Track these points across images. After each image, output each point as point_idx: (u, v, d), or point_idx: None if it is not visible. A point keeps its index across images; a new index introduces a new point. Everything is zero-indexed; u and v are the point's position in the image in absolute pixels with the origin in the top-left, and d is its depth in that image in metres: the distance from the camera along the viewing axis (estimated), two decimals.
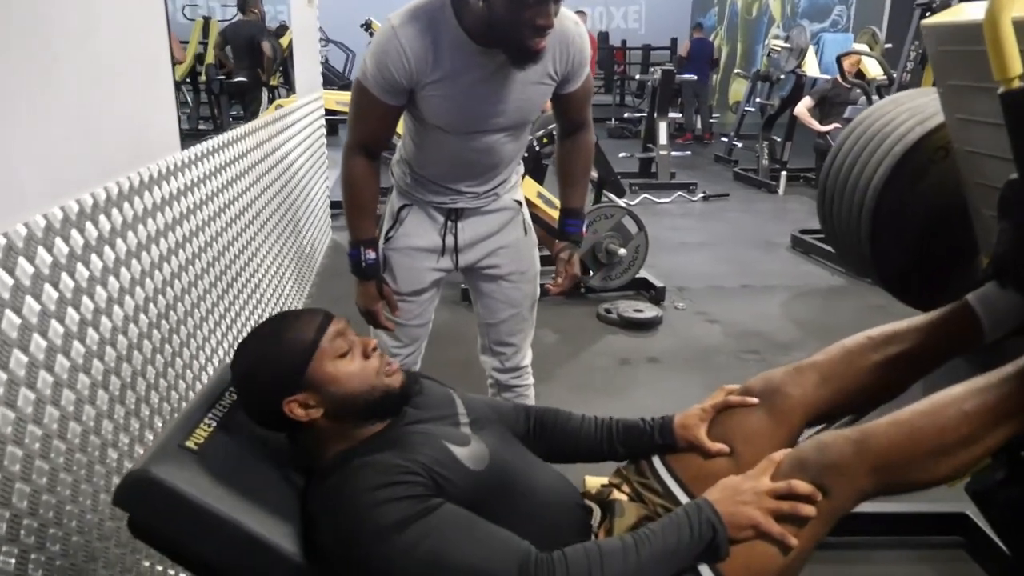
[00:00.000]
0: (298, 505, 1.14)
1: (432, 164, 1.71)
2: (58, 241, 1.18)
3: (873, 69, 5.80)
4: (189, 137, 2.24)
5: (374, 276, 1.73)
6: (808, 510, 1.05)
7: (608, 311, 3.62)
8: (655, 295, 3.85)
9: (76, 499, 1.21)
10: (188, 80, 7.40)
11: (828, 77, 6.37)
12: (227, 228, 2.32)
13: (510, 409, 1.41)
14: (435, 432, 1.14)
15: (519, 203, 1.83)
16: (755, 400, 1.30)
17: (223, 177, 2.30)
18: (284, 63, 6.53)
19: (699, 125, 10.27)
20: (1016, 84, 1.10)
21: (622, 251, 3.76)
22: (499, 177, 1.74)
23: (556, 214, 1.92)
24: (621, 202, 4.06)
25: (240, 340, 1.18)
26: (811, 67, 6.72)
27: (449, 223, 1.76)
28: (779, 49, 6.92)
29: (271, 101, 4.95)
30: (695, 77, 8.60)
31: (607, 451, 1.37)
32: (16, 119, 1.10)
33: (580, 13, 8.87)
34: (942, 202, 1.59)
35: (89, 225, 1.30)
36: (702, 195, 6.47)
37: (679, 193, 6.49)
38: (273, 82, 8.03)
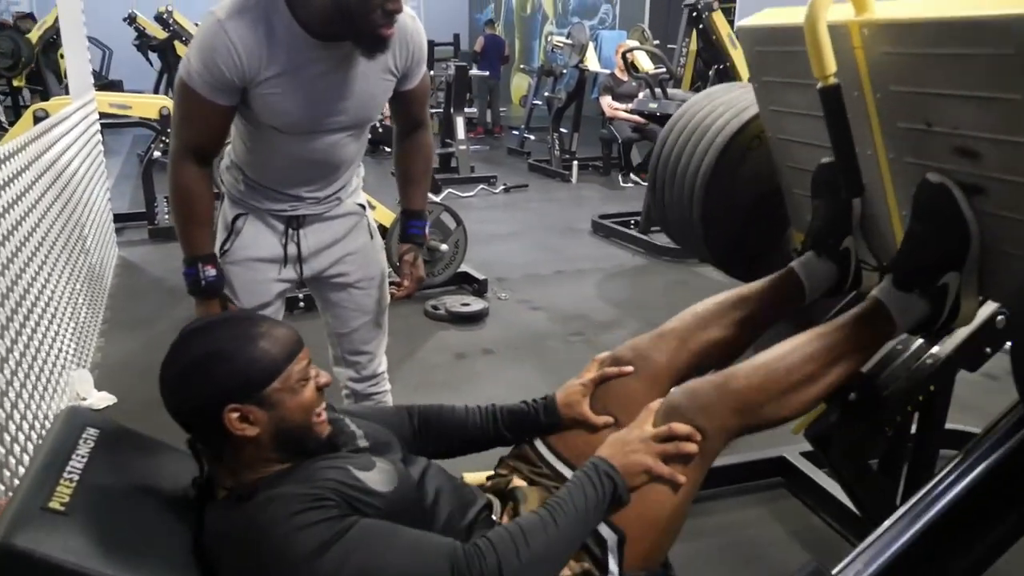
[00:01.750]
0: (189, 544, 1.05)
1: (267, 169, 1.60)
2: None
3: (645, 63, 6.30)
4: None
5: (216, 294, 1.58)
6: (691, 447, 1.17)
7: (435, 308, 3.62)
8: (478, 288, 3.91)
9: None
10: None
11: (608, 71, 6.83)
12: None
13: (393, 414, 1.39)
14: (339, 460, 1.10)
15: (363, 207, 1.77)
16: (631, 368, 1.38)
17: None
18: (36, 61, 5.74)
19: (489, 119, 10.54)
20: (831, 80, 1.26)
21: (443, 247, 3.78)
22: (340, 180, 1.67)
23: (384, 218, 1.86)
24: (436, 199, 4.06)
25: (193, 324, 1.09)
26: (592, 62, 7.16)
27: (290, 231, 1.66)
28: (561, 45, 7.28)
29: (14, 106, 4.30)
30: (487, 73, 8.80)
31: (495, 437, 1.39)
32: None
33: None
34: (759, 185, 1.79)
35: None
36: (503, 187, 6.66)
37: (481, 186, 6.63)
38: (18, 83, 7.08)
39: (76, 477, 1.02)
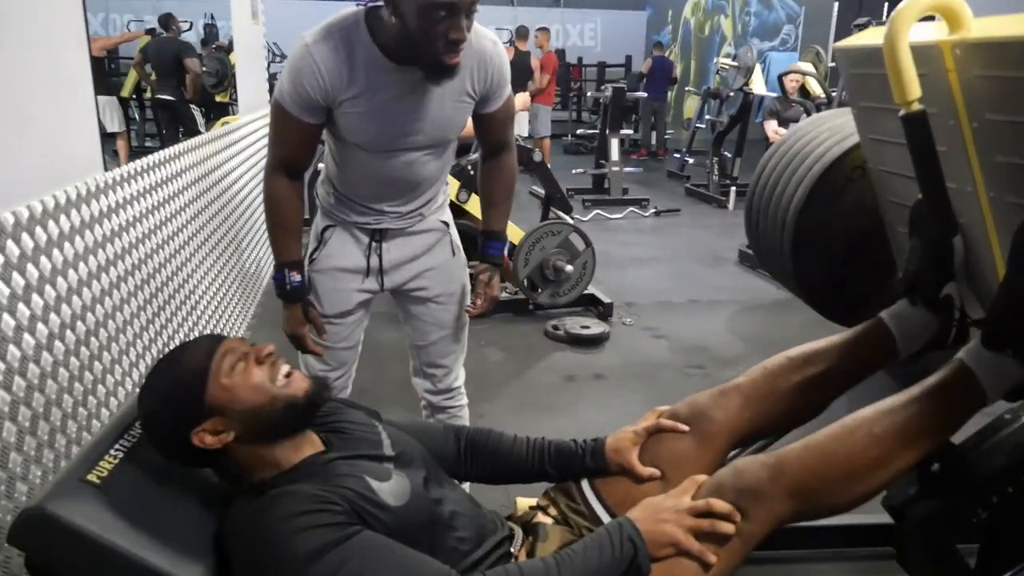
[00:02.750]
0: (211, 533, 1.11)
1: (354, 183, 1.68)
2: None
3: (816, 87, 5.96)
4: (138, 154, 2.20)
5: (300, 299, 1.68)
6: (727, 527, 1.07)
7: (555, 328, 3.63)
8: (603, 311, 3.87)
9: None
10: (134, 97, 7.24)
11: (774, 95, 6.52)
12: (159, 249, 2.27)
13: (439, 432, 1.40)
14: (358, 466, 1.13)
15: (446, 224, 1.81)
16: (686, 428, 1.32)
17: (154, 197, 2.26)
18: (232, 80, 6.43)
19: (654, 141, 10.41)
20: (915, 107, 1.13)
21: (569, 268, 3.78)
22: (423, 197, 1.72)
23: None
24: (568, 219, 4.07)
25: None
26: (758, 85, 6.87)
27: (373, 244, 1.73)
28: (727, 67, 7.06)
29: (216, 119, 4.86)
30: (645, 94, 8.70)
31: (538, 472, 1.37)
32: None
33: (543, 30, 8.96)
34: (861, 219, 1.63)
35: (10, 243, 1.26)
36: (654, 211, 6.54)
37: (631, 209, 6.56)
38: (222, 98, 7.91)
39: (121, 455, 1.12)
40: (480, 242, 1.83)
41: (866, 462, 1.12)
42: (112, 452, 1.12)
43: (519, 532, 1.28)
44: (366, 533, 1.02)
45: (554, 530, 1.26)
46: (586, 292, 3.95)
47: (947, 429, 1.19)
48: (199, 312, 2.75)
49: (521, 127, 8.20)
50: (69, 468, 1.08)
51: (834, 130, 1.65)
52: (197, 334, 2.71)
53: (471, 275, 1.85)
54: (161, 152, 2.42)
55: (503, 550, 1.21)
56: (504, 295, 3.82)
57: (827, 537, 1.99)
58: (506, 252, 1.83)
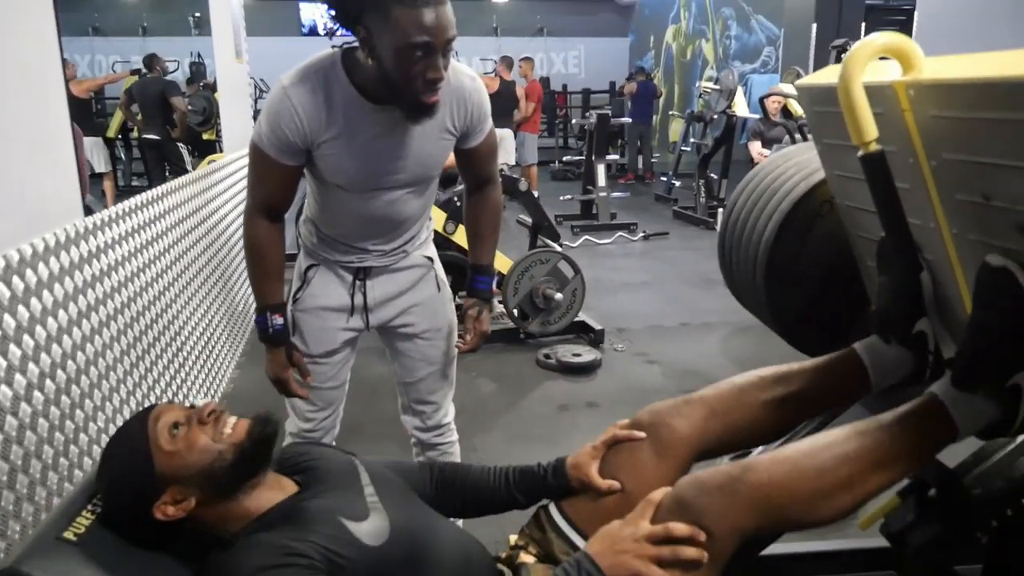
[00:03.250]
0: None
1: (336, 223, 1.67)
2: None
3: (797, 107, 6.01)
4: (125, 193, 2.19)
5: (282, 342, 1.64)
6: (691, 553, 1.02)
7: (547, 356, 3.61)
8: (594, 338, 3.85)
9: None
10: (120, 137, 7.25)
11: (757, 116, 6.59)
12: (145, 290, 2.25)
13: (415, 469, 1.38)
14: (332, 507, 1.09)
15: (430, 259, 1.79)
16: (642, 434, 1.27)
17: (140, 238, 2.24)
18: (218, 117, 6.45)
19: (641, 165, 10.49)
20: (873, 147, 1.13)
21: (559, 295, 3.77)
22: (406, 235, 1.71)
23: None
24: (556, 247, 4.07)
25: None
26: (740, 107, 6.94)
27: (357, 282, 1.71)
28: (710, 91, 7.13)
29: (202, 156, 4.84)
30: (630, 120, 8.76)
31: (507, 499, 1.34)
32: None
33: (527, 60, 9.05)
34: (833, 252, 1.63)
35: None
36: (642, 234, 6.56)
37: (620, 233, 6.58)
38: (209, 136, 7.93)
39: (99, 510, 1.10)
40: (468, 276, 1.81)
41: (835, 481, 1.08)
42: (90, 507, 1.09)
43: (508, 573, 1.24)
44: None
45: (536, 569, 1.22)
46: (577, 319, 3.94)
47: (919, 458, 1.16)
48: (187, 351, 2.72)
49: (508, 155, 8.24)
50: (45, 525, 1.05)
51: (801, 165, 1.66)
52: (185, 374, 2.68)
53: (459, 309, 1.83)
54: (145, 193, 2.41)
55: None
56: (495, 325, 3.81)
57: (820, 562, 1.95)
58: (495, 285, 1.80)
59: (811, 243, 1.62)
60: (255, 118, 6.66)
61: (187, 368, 2.72)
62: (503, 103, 7.86)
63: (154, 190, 2.52)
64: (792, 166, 1.68)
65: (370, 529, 1.08)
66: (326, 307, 1.71)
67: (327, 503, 1.10)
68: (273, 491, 1.12)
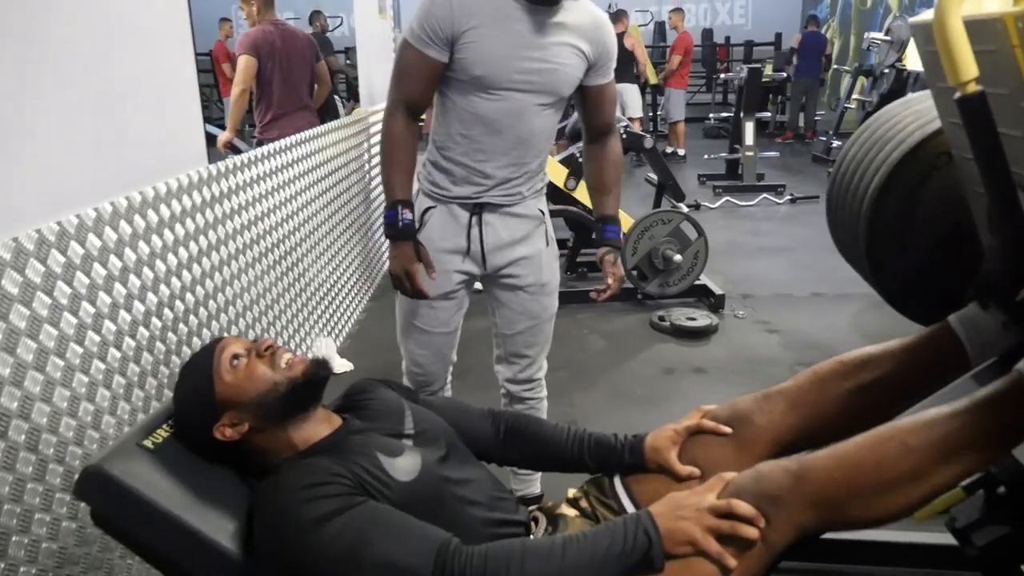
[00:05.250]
0: (246, 506, 1.21)
1: (460, 138, 1.70)
2: (93, 238, 1.31)
3: None
4: None
5: (411, 237, 1.69)
6: (749, 532, 1.02)
7: (661, 319, 3.55)
8: (714, 303, 3.74)
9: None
10: None
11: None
12: (269, 233, 2.45)
13: (476, 415, 1.43)
14: (370, 442, 1.18)
15: (543, 212, 1.84)
16: (728, 429, 1.27)
17: (266, 185, 2.44)
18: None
19: (802, 123, 9.84)
20: (971, 88, 1.02)
21: (678, 257, 3.68)
22: (525, 164, 1.74)
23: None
24: (683, 207, 3.96)
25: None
26: (913, 61, 6.30)
27: (473, 219, 1.75)
28: (878, 42, 6.52)
29: (356, 106, 5.05)
30: (784, 74, 8.20)
31: (576, 462, 1.37)
32: (25, 134, 1.24)
33: (677, 11, 8.73)
34: (948, 211, 1.48)
35: (108, 230, 1.43)
36: (789, 197, 6.20)
37: (765, 195, 6.25)
38: None
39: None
40: (597, 228, 1.87)
41: (898, 475, 1.02)
42: (170, 423, 1.24)
43: (543, 519, 1.29)
44: (369, 503, 1.06)
45: (575, 522, 1.25)
46: (698, 283, 3.84)
47: (996, 447, 1.05)
48: (312, 291, 2.94)
49: (635, 108, 7.97)
50: (129, 433, 1.21)
51: (921, 113, 1.50)
52: (308, 313, 2.91)
53: (578, 268, 1.88)
54: (278, 142, 2.61)
55: (517, 532, 1.22)
56: None
57: (888, 554, 1.83)
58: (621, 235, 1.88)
59: (922, 201, 1.46)
60: None
61: (310, 308, 2.94)
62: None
63: (286, 139, 2.72)
64: (910, 114, 1.52)
65: (403, 465, 1.15)
66: (442, 248, 1.75)
67: (367, 439, 1.19)
68: (321, 425, 1.22)
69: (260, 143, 3.46)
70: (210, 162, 1.99)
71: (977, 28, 1.02)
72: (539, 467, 1.41)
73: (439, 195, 1.76)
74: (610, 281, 1.79)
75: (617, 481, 1.32)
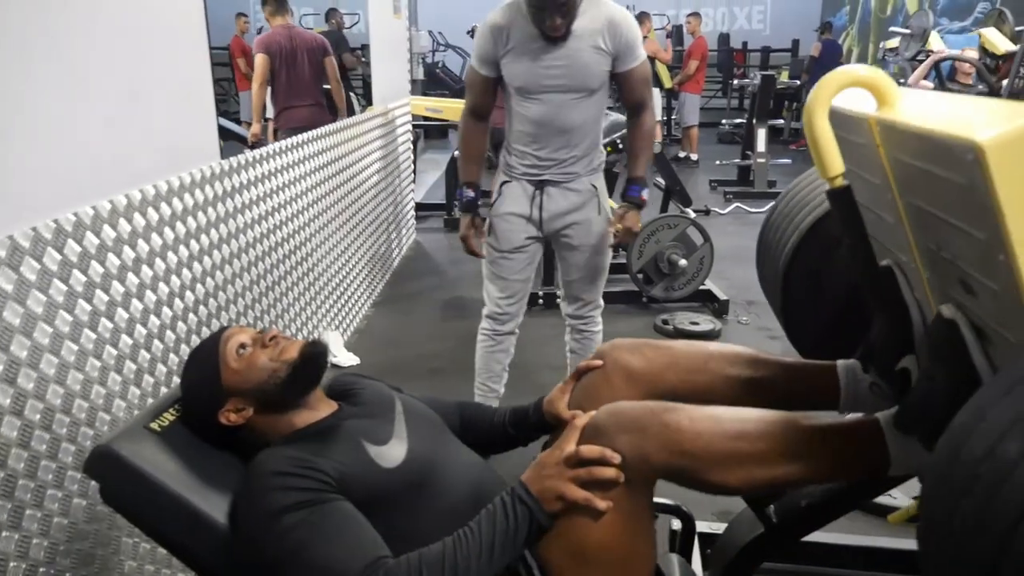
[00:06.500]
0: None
1: (520, 133, 2.17)
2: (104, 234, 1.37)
3: (1002, 44, 5.30)
4: None
5: (470, 210, 2.28)
6: (607, 472, 1.03)
7: (665, 322, 3.59)
8: (718, 308, 3.78)
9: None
10: None
11: (959, 52, 5.86)
12: (277, 229, 2.51)
13: (450, 407, 1.48)
14: (358, 429, 1.23)
15: (595, 188, 2.23)
16: (599, 362, 1.32)
17: (277, 180, 2.50)
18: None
19: None
20: (839, 183, 1.08)
21: (683, 262, 3.72)
22: (575, 149, 2.16)
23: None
24: (690, 212, 3.99)
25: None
26: (936, 43, 6.15)
27: (536, 193, 2.20)
28: (897, 41, 6.45)
29: (369, 104, 5.13)
30: (797, 82, 8.19)
31: (504, 436, 1.44)
32: (43, 130, 1.30)
33: (694, 15, 8.74)
34: (852, 275, 1.50)
35: (122, 221, 1.49)
36: None
37: (775, 203, 6.26)
38: None
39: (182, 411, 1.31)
40: (623, 186, 2.29)
41: (751, 451, 1.05)
42: (176, 407, 1.30)
43: None
44: (330, 504, 1.08)
45: None
46: (703, 288, 3.87)
47: (842, 471, 1.12)
48: (319, 287, 3.00)
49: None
50: (138, 416, 1.27)
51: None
52: (315, 308, 2.97)
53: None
54: (287, 140, 2.67)
55: None
56: (617, 286, 3.83)
57: (863, 558, 1.86)
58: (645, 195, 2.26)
59: (832, 263, 1.50)
60: (430, 69, 6.78)
61: (318, 302, 3.00)
62: None
63: (298, 136, 2.79)
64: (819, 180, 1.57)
65: (387, 453, 1.20)
66: (512, 212, 2.24)
67: (356, 425, 1.24)
68: (316, 411, 1.27)
69: (275, 131, 4.15)
70: (222, 157, 2.06)
71: (850, 121, 1.07)
72: (487, 450, 1.45)
73: (511, 172, 2.25)
74: (614, 228, 2.22)
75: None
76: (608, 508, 1.04)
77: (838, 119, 1.07)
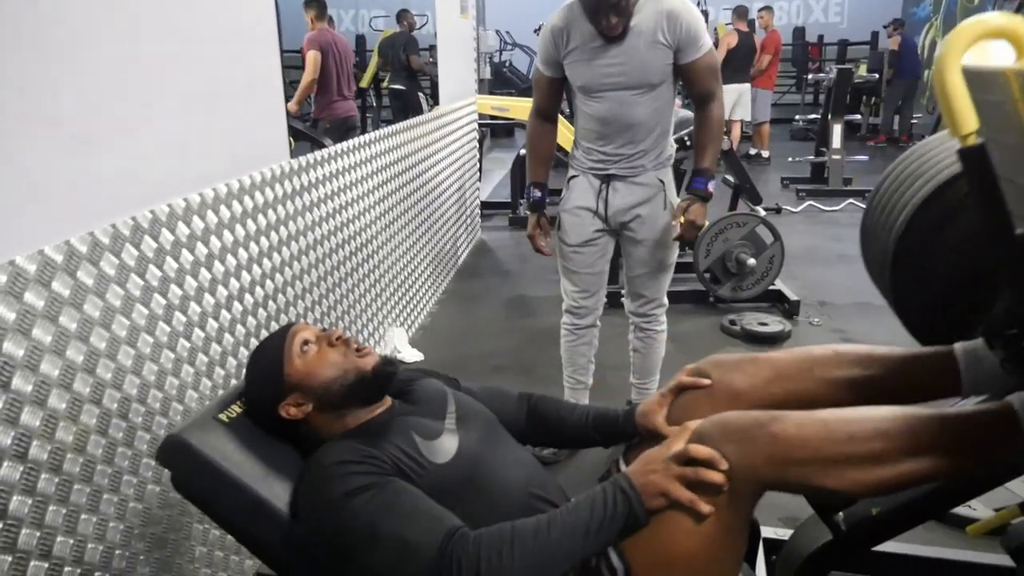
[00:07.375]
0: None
1: (585, 130, 2.21)
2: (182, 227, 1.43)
3: None
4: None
5: (536, 209, 2.33)
6: (713, 476, 1.01)
7: (732, 323, 3.51)
8: (788, 308, 3.67)
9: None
10: (371, 87, 7.99)
11: None
12: (344, 227, 2.56)
13: (512, 400, 1.49)
14: (411, 424, 1.25)
15: (662, 182, 2.22)
16: (707, 381, 1.27)
17: (345, 179, 2.55)
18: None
19: (896, 127, 9.44)
20: (971, 141, 1.00)
21: (752, 261, 3.62)
22: (641, 144, 2.16)
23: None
24: (760, 210, 3.89)
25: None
26: None
27: (602, 186, 2.22)
28: None
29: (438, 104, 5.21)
30: (876, 76, 7.87)
31: (587, 437, 1.42)
32: (125, 132, 1.36)
33: (767, 9, 8.54)
34: (971, 250, 1.40)
35: (196, 218, 1.54)
36: None
37: (850, 200, 6.04)
38: None
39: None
40: (688, 178, 2.28)
41: (864, 452, 0.99)
42: (243, 400, 1.34)
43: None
44: (396, 483, 1.11)
45: None
46: (773, 288, 3.77)
47: (967, 462, 1.02)
48: (384, 284, 3.05)
49: (745, 111, 7.86)
50: (208, 407, 1.32)
51: (951, 150, 1.44)
52: (380, 304, 3.02)
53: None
54: (357, 138, 2.73)
55: None
56: (683, 285, 3.77)
57: (941, 571, 1.76)
58: (711, 187, 2.21)
59: (947, 239, 1.41)
60: (498, 68, 6.78)
61: (384, 298, 3.05)
62: (742, 57, 7.48)
63: (366, 136, 2.84)
64: (944, 150, 1.47)
65: (438, 448, 1.22)
66: (580, 206, 2.27)
67: (408, 421, 1.26)
68: (372, 410, 1.30)
69: (314, 123, 4.44)
70: (292, 157, 2.11)
71: (983, 79, 1.00)
72: (558, 445, 1.48)
73: (579, 167, 2.28)
74: (682, 219, 2.16)
75: (621, 462, 1.33)
76: (710, 513, 1.02)
77: (966, 77, 1.00)
